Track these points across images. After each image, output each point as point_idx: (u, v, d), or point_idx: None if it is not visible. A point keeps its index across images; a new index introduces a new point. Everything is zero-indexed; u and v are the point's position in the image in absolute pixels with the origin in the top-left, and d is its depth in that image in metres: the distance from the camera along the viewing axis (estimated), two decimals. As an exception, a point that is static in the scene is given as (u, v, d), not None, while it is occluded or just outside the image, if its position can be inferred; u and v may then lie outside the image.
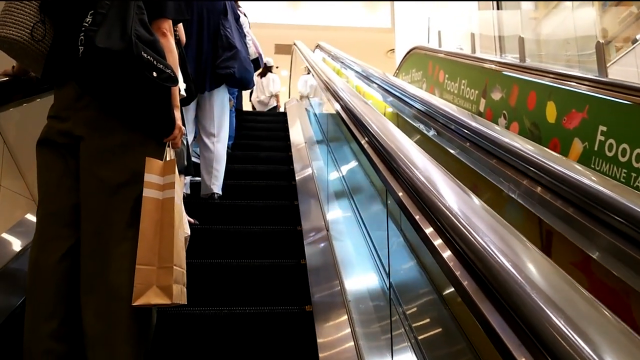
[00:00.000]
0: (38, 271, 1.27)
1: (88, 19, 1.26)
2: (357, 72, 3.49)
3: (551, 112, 2.78)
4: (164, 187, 1.33)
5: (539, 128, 2.90)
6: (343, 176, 2.55)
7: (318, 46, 5.66)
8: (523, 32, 7.90)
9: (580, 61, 5.42)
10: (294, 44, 5.75)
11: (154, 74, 1.25)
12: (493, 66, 3.55)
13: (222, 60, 2.66)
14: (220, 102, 2.76)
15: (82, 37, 1.23)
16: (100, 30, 1.21)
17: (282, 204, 2.69)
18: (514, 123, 3.20)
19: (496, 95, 3.47)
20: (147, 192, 1.29)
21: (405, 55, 5.84)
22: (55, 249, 1.28)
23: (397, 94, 2.53)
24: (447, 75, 4.49)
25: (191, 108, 2.67)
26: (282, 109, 6.13)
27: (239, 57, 2.69)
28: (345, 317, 1.54)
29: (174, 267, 1.27)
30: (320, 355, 1.43)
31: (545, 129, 2.82)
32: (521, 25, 7.78)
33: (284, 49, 10.46)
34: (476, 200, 0.77)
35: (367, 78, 3.09)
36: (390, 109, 2.84)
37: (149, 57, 1.24)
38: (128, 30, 1.22)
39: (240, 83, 2.82)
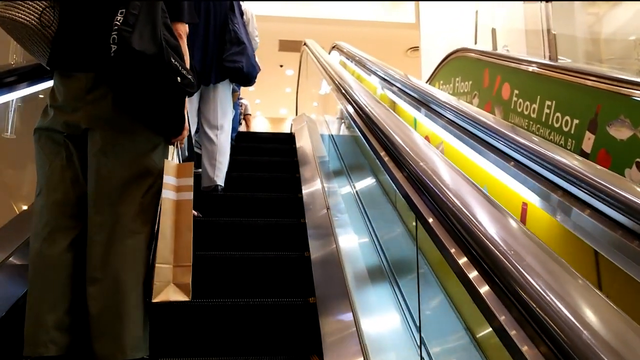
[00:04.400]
0: (42, 262, 1.27)
1: (119, 18, 1.24)
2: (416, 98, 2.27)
3: None
4: (179, 188, 1.37)
5: None
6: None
7: (335, 47, 4.44)
8: (575, 29, 6.63)
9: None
10: (304, 43, 4.54)
11: (178, 78, 1.29)
12: (613, 85, 2.33)
13: (230, 54, 2.64)
14: (225, 94, 2.73)
15: (115, 36, 1.22)
16: (135, 32, 1.22)
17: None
18: (662, 182, 2.00)
19: (620, 132, 2.27)
20: (164, 193, 1.32)
21: (445, 59, 4.63)
22: (61, 240, 1.29)
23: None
24: (516, 91, 3.28)
25: (194, 100, 2.64)
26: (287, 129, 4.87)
27: (246, 53, 2.69)
28: (349, 309, 1.48)
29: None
30: (324, 347, 1.40)
31: None
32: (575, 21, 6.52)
33: (289, 46, 9.21)
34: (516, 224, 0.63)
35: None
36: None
37: (175, 62, 1.29)
38: (158, 34, 1.26)
39: (246, 78, 2.77)
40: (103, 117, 1.29)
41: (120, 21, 1.22)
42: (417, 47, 8.41)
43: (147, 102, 1.30)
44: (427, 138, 2.19)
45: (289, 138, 3.98)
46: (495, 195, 0.96)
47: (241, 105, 4.99)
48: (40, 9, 1.32)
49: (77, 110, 1.30)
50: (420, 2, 7.30)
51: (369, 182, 2.21)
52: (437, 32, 7.28)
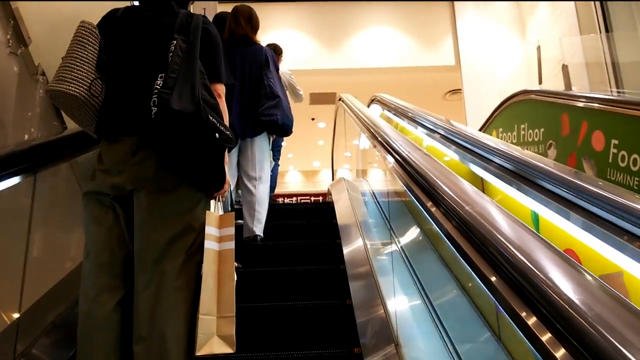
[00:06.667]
0: (91, 323, 1.29)
1: (159, 82, 1.30)
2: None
3: None
4: (221, 239, 1.38)
5: None
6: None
7: (375, 100, 3.93)
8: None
9: None
10: (340, 98, 4.05)
11: (217, 135, 1.33)
12: None
13: (265, 107, 2.72)
14: (262, 147, 2.80)
15: (155, 99, 1.28)
16: (174, 93, 1.27)
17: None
18: None
19: None
20: (207, 244, 1.33)
21: (503, 104, 4.01)
22: (108, 300, 1.31)
23: None
24: (615, 141, 2.59)
25: (233, 154, 2.76)
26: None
27: (281, 105, 2.76)
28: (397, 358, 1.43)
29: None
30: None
31: None
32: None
33: (320, 99, 8.88)
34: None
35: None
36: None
37: (213, 119, 1.33)
38: (196, 94, 1.30)
39: (282, 130, 2.81)
40: (147, 177, 1.33)
41: (160, 85, 1.29)
42: (456, 89, 7.86)
43: (188, 159, 1.34)
44: (571, 252, 1.49)
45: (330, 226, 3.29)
46: None
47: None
48: (89, 81, 1.40)
49: (122, 173, 1.35)
50: (460, 43, 6.82)
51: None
52: (479, 74, 6.72)
